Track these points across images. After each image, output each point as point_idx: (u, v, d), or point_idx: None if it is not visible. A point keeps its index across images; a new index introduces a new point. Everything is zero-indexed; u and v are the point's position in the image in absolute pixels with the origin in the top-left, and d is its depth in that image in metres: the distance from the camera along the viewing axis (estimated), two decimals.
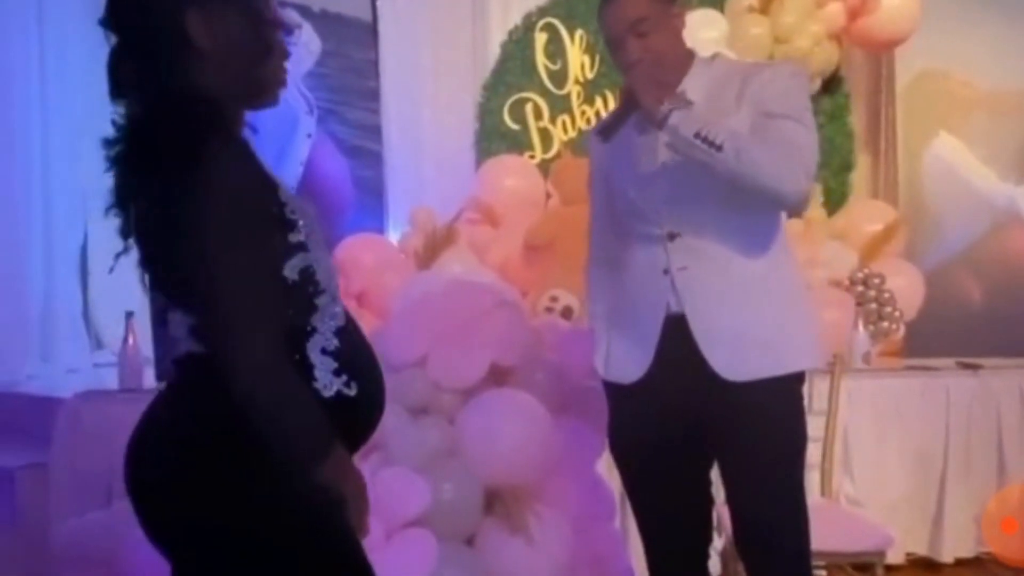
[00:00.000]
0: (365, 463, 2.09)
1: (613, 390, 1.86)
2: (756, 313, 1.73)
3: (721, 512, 2.20)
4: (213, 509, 1.14)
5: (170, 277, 1.17)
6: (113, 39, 1.18)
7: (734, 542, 1.89)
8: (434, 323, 2.23)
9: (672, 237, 1.74)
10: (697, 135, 1.63)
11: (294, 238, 1.15)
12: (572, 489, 2.20)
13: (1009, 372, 3.34)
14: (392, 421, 2.09)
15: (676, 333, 1.73)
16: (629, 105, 1.73)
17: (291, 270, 1.15)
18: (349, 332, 1.23)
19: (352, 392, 1.19)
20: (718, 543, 2.77)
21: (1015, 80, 3.75)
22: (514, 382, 2.27)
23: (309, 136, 3.71)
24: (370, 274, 2.99)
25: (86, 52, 3.26)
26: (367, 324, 2.86)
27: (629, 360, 1.80)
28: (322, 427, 1.13)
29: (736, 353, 1.71)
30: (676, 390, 1.75)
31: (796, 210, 1.82)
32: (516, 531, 2.03)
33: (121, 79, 1.17)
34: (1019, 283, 3.70)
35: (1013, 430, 3.26)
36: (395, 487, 1.98)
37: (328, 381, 1.17)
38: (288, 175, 3.73)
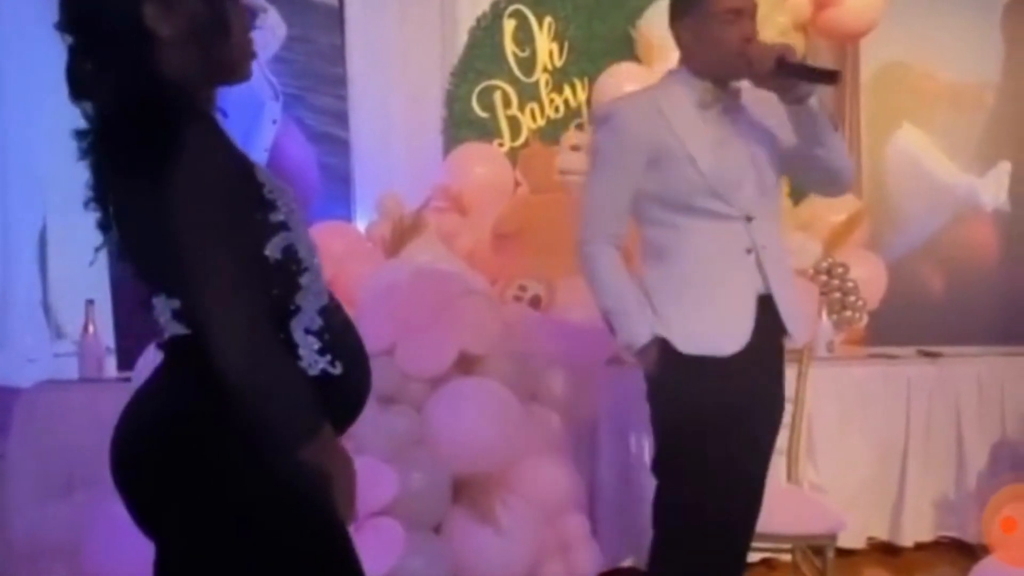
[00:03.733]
0: None
1: (698, 364, 1.88)
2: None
3: None
4: (198, 489, 1.14)
5: (154, 263, 1.17)
6: (69, 40, 1.16)
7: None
8: (401, 312, 2.22)
9: (749, 219, 1.88)
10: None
11: (275, 217, 1.15)
12: (540, 478, 2.21)
13: (968, 360, 3.41)
14: None
15: (763, 309, 1.89)
16: (733, 76, 1.89)
17: (273, 249, 1.15)
18: (332, 311, 1.22)
19: (337, 371, 1.18)
20: None
21: (976, 73, 3.81)
22: (482, 371, 2.27)
23: (274, 122, 3.64)
24: (337, 262, 2.95)
25: (43, 40, 3.18)
26: None
27: (722, 335, 1.88)
28: (310, 406, 1.13)
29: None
30: (766, 361, 1.94)
31: (844, 193, 2.14)
32: (484, 520, 2.03)
33: (81, 79, 1.15)
34: (978, 273, 3.77)
35: (971, 417, 3.33)
36: (362, 476, 1.96)
37: (313, 360, 1.16)
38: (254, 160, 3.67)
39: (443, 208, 3.44)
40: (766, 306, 1.89)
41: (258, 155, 3.66)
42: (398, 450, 2.02)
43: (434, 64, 3.88)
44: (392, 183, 3.65)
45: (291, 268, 1.17)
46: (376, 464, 1.96)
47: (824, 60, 4.00)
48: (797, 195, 3.77)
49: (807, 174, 2.00)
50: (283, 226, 1.16)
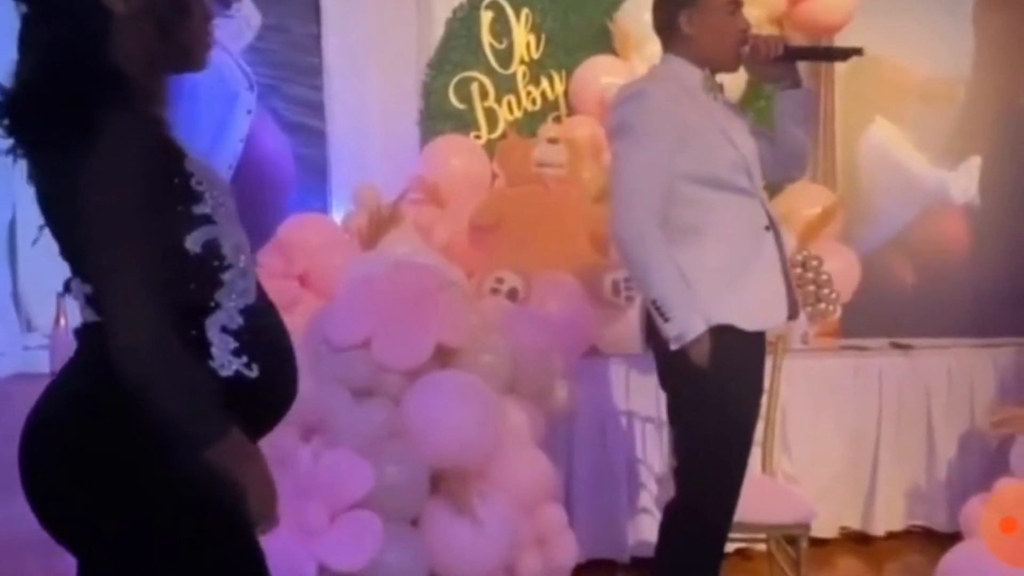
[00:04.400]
0: (308, 446, 2.07)
1: (748, 339, 1.93)
2: None
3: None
4: (99, 483, 1.09)
5: (67, 244, 1.13)
6: (24, 9, 1.12)
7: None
8: (378, 304, 2.21)
9: (761, 197, 1.99)
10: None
11: (198, 210, 1.11)
12: (518, 470, 2.22)
13: (938, 352, 3.46)
14: (336, 403, 2.07)
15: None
16: (734, 65, 1.97)
17: (193, 242, 1.11)
18: (259, 312, 1.18)
19: (253, 374, 1.13)
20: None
21: (947, 67, 3.85)
22: (459, 364, 2.27)
23: (249, 112, 3.60)
24: (313, 254, 2.93)
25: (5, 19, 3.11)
26: (311, 305, 2.84)
27: (770, 308, 1.97)
28: (211, 408, 1.09)
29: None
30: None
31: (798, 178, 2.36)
32: (461, 512, 2.03)
33: (32, 48, 1.11)
34: (949, 267, 3.82)
35: (941, 408, 3.39)
36: (338, 469, 1.96)
37: (226, 360, 1.12)
38: (227, 152, 3.62)
39: (420, 200, 3.43)
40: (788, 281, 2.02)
41: (233, 146, 3.62)
42: (375, 443, 2.01)
43: (411, 55, 3.86)
44: (369, 174, 3.62)
45: (212, 263, 1.13)
46: (352, 457, 1.96)
47: None
48: (772, 189, 3.80)
49: (773, 157, 2.05)
50: (207, 219, 1.12)
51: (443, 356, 2.24)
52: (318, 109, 3.77)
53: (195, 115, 3.57)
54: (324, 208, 3.69)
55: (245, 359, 1.13)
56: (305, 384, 2.24)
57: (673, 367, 1.93)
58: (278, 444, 2.16)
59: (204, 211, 1.12)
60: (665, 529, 2.05)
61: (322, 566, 1.91)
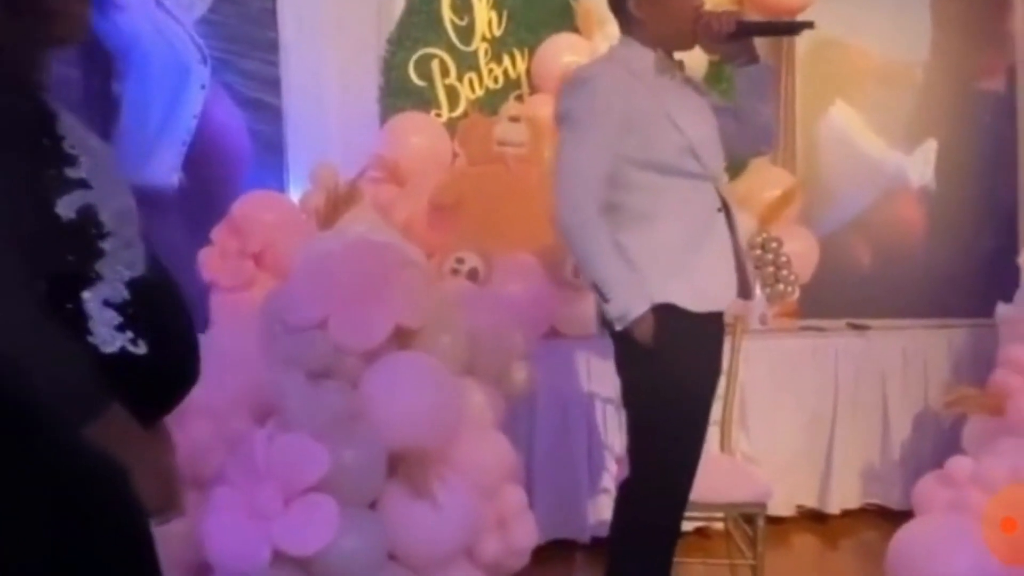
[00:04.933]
0: (262, 429, 2.02)
1: (697, 319, 1.93)
2: None
3: None
4: None
5: None
6: None
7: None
8: (335, 284, 2.15)
9: (716, 179, 1.98)
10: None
11: (73, 174, 1.05)
12: (477, 452, 2.19)
13: (893, 333, 3.51)
14: (291, 385, 2.02)
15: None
16: (689, 44, 1.96)
17: (66, 207, 1.04)
18: (150, 285, 1.11)
19: (140, 351, 1.06)
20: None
21: (907, 51, 3.88)
22: (418, 345, 2.23)
23: (203, 87, 3.51)
24: (268, 233, 2.87)
25: None
26: (266, 286, 2.77)
27: (720, 288, 1.98)
28: (86, 385, 1.01)
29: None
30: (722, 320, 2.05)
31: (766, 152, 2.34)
32: (420, 495, 2.01)
33: None
34: (905, 249, 3.87)
35: (896, 388, 3.44)
36: (293, 453, 1.92)
37: (108, 336, 1.04)
38: (181, 128, 3.53)
39: (379, 179, 3.37)
40: (740, 263, 2.02)
41: (187, 121, 3.52)
42: (331, 426, 1.97)
43: (370, 30, 3.77)
44: (327, 152, 3.55)
45: (89, 231, 1.06)
46: (307, 440, 1.91)
47: (761, 38, 4.04)
48: (733, 171, 3.81)
49: (738, 133, 2.04)
50: (82, 184, 1.05)
51: (402, 337, 2.20)
52: (274, 84, 3.68)
53: (146, 89, 3.47)
54: (281, 186, 3.61)
55: (130, 335, 1.06)
56: (260, 366, 2.21)
57: (622, 349, 1.97)
58: (231, 427, 2.12)
59: (78, 175, 1.05)
60: (618, 508, 2.06)
61: (276, 551, 1.87)
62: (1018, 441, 2.53)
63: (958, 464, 2.53)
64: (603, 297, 1.89)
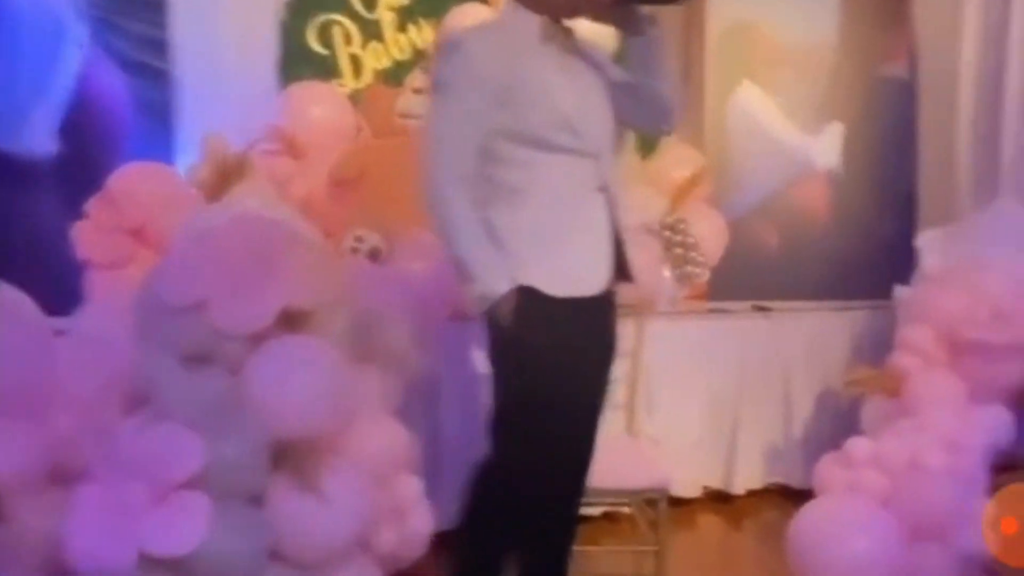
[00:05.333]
0: (132, 419, 1.85)
1: (565, 306, 1.82)
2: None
3: None
4: None
5: None
6: None
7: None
8: (217, 261, 1.98)
9: (598, 157, 1.85)
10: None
11: None
12: (371, 440, 2.07)
13: (796, 315, 3.55)
14: (164, 371, 1.86)
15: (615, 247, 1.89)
16: (574, 12, 1.85)
17: None
18: None
19: None
20: None
21: (816, 35, 3.91)
22: (310, 328, 2.09)
23: (80, 47, 3.24)
24: (148, 207, 2.65)
25: None
26: (147, 263, 2.57)
27: (588, 274, 1.86)
28: None
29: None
30: (610, 304, 1.95)
31: (669, 133, 2.14)
32: (308, 488, 1.87)
33: None
34: (811, 232, 3.92)
35: (799, 368, 3.48)
36: (164, 445, 1.76)
37: None
38: (56, 90, 3.25)
39: (275, 151, 3.18)
40: (619, 246, 1.91)
41: (64, 82, 3.25)
42: (208, 415, 1.81)
43: None
44: (221, 122, 3.32)
45: None
46: (180, 431, 1.76)
47: (672, 19, 4.00)
48: (645, 150, 3.77)
49: (635, 109, 1.94)
50: None
51: (291, 320, 2.05)
52: (161, 48, 3.42)
53: (16, 46, 3.18)
54: (169, 158, 3.37)
55: None
56: (132, 351, 2.03)
57: (486, 331, 1.89)
58: (99, 418, 1.94)
59: None
60: (471, 485, 1.97)
61: (143, 552, 1.71)
62: (913, 422, 2.57)
63: (856, 445, 2.56)
64: (466, 276, 1.81)
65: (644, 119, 1.98)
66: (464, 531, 1.99)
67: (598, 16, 1.88)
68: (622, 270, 1.93)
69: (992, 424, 2.61)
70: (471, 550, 1.99)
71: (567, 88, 1.84)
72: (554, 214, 1.82)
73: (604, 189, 1.87)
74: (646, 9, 1.86)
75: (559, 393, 1.85)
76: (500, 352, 1.88)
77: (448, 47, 1.86)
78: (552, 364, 1.83)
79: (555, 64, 1.86)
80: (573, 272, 1.84)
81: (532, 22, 1.87)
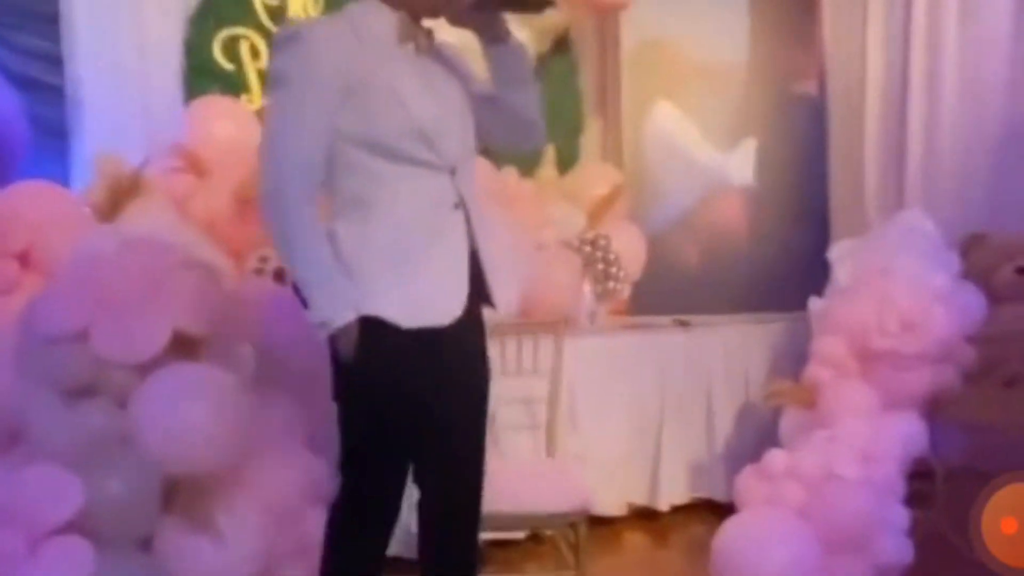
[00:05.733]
0: (5, 458, 1.71)
1: (415, 336, 1.64)
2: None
3: None
4: None
5: None
6: None
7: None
8: (102, 287, 1.86)
9: (453, 171, 1.70)
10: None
11: None
12: (274, 474, 1.96)
13: (716, 328, 3.56)
14: (39, 406, 1.72)
15: (473, 270, 1.72)
16: (431, 12, 1.71)
17: None
18: None
19: None
20: None
21: (728, 53, 3.97)
22: (206, 356, 1.97)
23: None
24: (35, 230, 2.49)
25: None
26: (33, 290, 2.41)
27: (443, 300, 1.69)
28: None
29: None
30: (474, 328, 1.77)
31: (537, 146, 2.01)
32: (201, 528, 1.76)
33: None
34: (728, 246, 3.96)
35: (719, 382, 3.49)
36: (41, 487, 1.63)
37: None
38: None
39: (178, 168, 3.04)
40: (474, 268, 1.72)
41: None
42: (90, 453, 1.69)
43: (172, 5, 3.41)
44: (122, 140, 3.17)
45: None
46: (57, 472, 1.62)
47: (588, 33, 4.02)
48: (563, 166, 3.76)
49: (496, 124, 1.81)
50: None
51: (185, 348, 1.93)
52: (55, 63, 3.25)
53: None
54: (64, 178, 3.19)
55: None
56: (7, 385, 1.88)
57: (329, 359, 1.72)
58: None
59: None
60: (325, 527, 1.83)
61: None
62: (828, 433, 2.58)
63: (774, 457, 2.56)
64: (303, 300, 1.64)
65: (507, 135, 1.84)
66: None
67: (456, 19, 1.72)
68: (482, 293, 1.75)
69: (906, 432, 2.64)
70: None
71: (423, 95, 1.67)
72: (404, 233, 1.65)
73: (461, 205, 1.71)
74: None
75: (408, 435, 1.70)
76: (344, 386, 1.72)
77: (285, 38, 1.66)
78: (401, 401, 1.67)
79: (411, 67, 1.69)
80: (424, 299, 1.65)
81: (387, 18, 1.69)
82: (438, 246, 1.67)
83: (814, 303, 3.05)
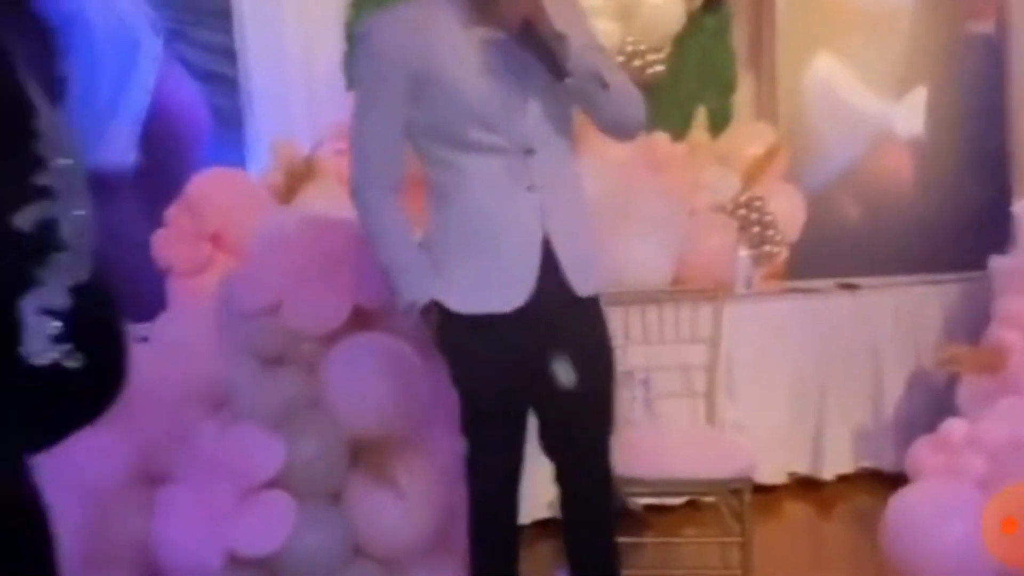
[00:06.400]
0: (212, 421, 1.90)
1: (478, 322, 1.68)
2: (592, 233, 1.78)
3: None
4: None
5: None
6: None
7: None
8: (289, 264, 2.02)
9: (529, 152, 1.67)
10: (591, 72, 1.63)
11: (39, 180, 0.90)
12: (445, 437, 2.07)
13: (884, 291, 3.40)
14: (243, 374, 1.90)
15: (545, 254, 1.68)
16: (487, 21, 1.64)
17: (25, 220, 0.90)
18: (93, 291, 0.97)
19: (76, 364, 0.94)
20: None
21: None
22: (381, 325, 2.10)
23: (155, 61, 3.34)
24: (225, 213, 2.72)
25: None
26: (225, 268, 2.64)
27: (504, 287, 1.67)
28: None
29: (585, 277, 1.73)
30: (550, 313, 1.70)
31: (633, 139, 1.88)
32: (385, 485, 1.89)
33: None
34: (895, 203, 3.74)
35: (889, 347, 3.33)
36: (246, 446, 1.80)
37: (40, 347, 0.91)
38: (134, 105, 3.37)
39: (344, 150, 3.20)
40: (551, 253, 1.69)
41: (140, 98, 3.36)
42: (287, 416, 1.85)
43: None
44: (290, 124, 3.39)
45: (45, 245, 0.93)
46: (260, 432, 1.79)
47: None
48: (715, 128, 3.67)
49: (594, 118, 1.75)
50: (45, 193, 0.91)
51: (362, 318, 2.07)
52: (231, 55, 3.50)
53: (93, 65, 3.30)
54: (241, 163, 3.45)
55: (67, 347, 0.93)
56: (212, 355, 2.08)
57: None
58: (183, 421, 1.99)
59: (43, 183, 0.91)
60: None
61: (230, 553, 1.76)
62: (1016, 400, 2.43)
63: (952, 427, 2.43)
64: (392, 283, 1.71)
65: (598, 126, 1.76)
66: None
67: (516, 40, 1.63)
68: (560, 279, 1.70)
69: None
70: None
71: (482, 79, 1.63)
72: (470, 218, 1.66)
73: (536, 189, 1.67)
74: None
75: (480, 407, 1.76)
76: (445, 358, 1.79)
77: (359, 35, 1.73)
78: (470, 379, 1.74)
79: (475, 51, 1.65)
80: (483, 286, 1.66)
81: (453, 5, 1.66)
82: (506, 231, 1.67)
83: (997, 261, 2.85)
